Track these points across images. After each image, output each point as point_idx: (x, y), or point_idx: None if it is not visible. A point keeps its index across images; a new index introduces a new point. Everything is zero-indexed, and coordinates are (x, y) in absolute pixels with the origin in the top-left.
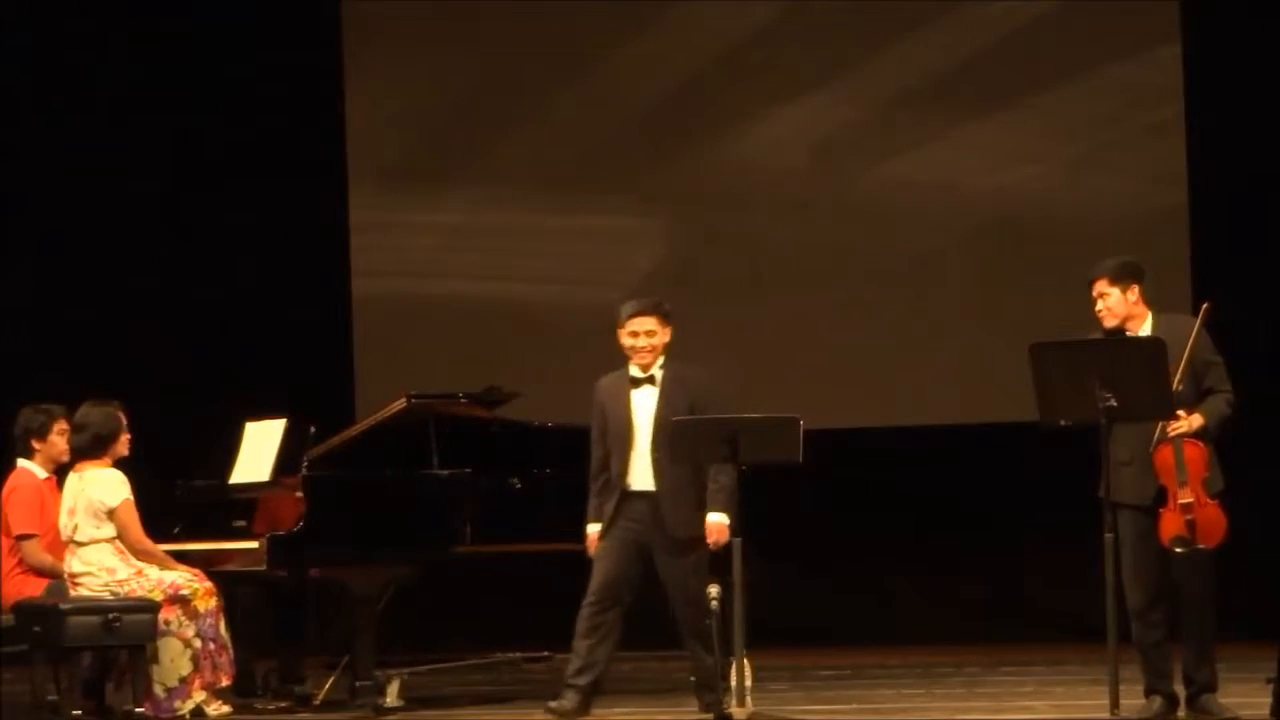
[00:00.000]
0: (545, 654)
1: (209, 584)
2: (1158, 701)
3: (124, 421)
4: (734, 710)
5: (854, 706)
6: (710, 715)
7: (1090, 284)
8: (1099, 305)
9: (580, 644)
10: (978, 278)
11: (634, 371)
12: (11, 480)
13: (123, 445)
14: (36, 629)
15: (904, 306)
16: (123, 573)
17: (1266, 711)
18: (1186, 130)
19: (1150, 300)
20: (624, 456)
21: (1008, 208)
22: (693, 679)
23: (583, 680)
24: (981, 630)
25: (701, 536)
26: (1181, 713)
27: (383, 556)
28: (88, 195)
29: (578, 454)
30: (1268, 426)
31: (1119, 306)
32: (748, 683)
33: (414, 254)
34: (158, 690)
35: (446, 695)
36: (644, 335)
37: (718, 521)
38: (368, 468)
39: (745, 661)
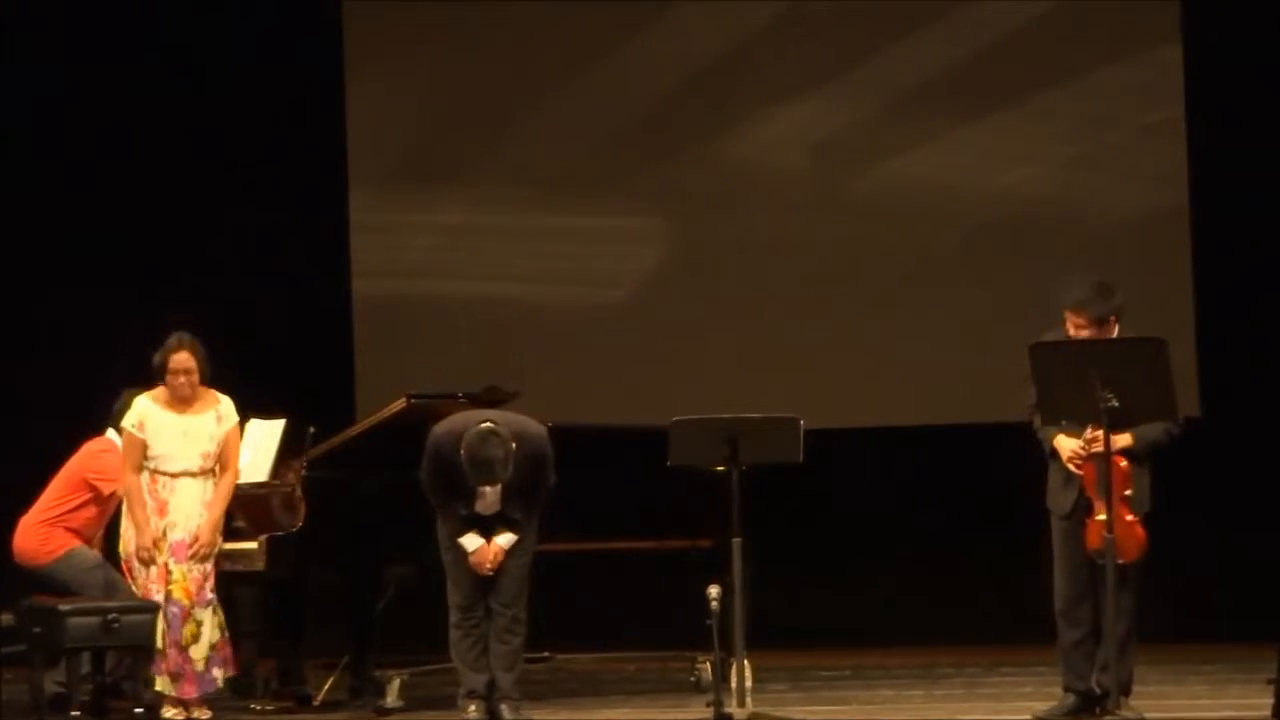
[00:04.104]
0: (545, 654)
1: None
2: (1071, 699)
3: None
4: (734, 710)
5: (854, 706)
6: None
7: (1073, 310)
8: (1072, 333)
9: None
10: (978, 278)
11: None
12: (99, 443)
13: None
14: (37, 629)
15: (904, 306)
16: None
17: (1268, 712)
18: (1186, 130)
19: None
20: None
21: (1008, 208)
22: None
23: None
24: (981, 630)
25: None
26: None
27: (383, 556)
28: (86, 194)
29: (578, 453)
30: (1269, 426)
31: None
32: (748, 683)
33: (414, 254)
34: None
35: (446, 695)
36: None
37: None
38: (368, 468)
39: (745, 661)
